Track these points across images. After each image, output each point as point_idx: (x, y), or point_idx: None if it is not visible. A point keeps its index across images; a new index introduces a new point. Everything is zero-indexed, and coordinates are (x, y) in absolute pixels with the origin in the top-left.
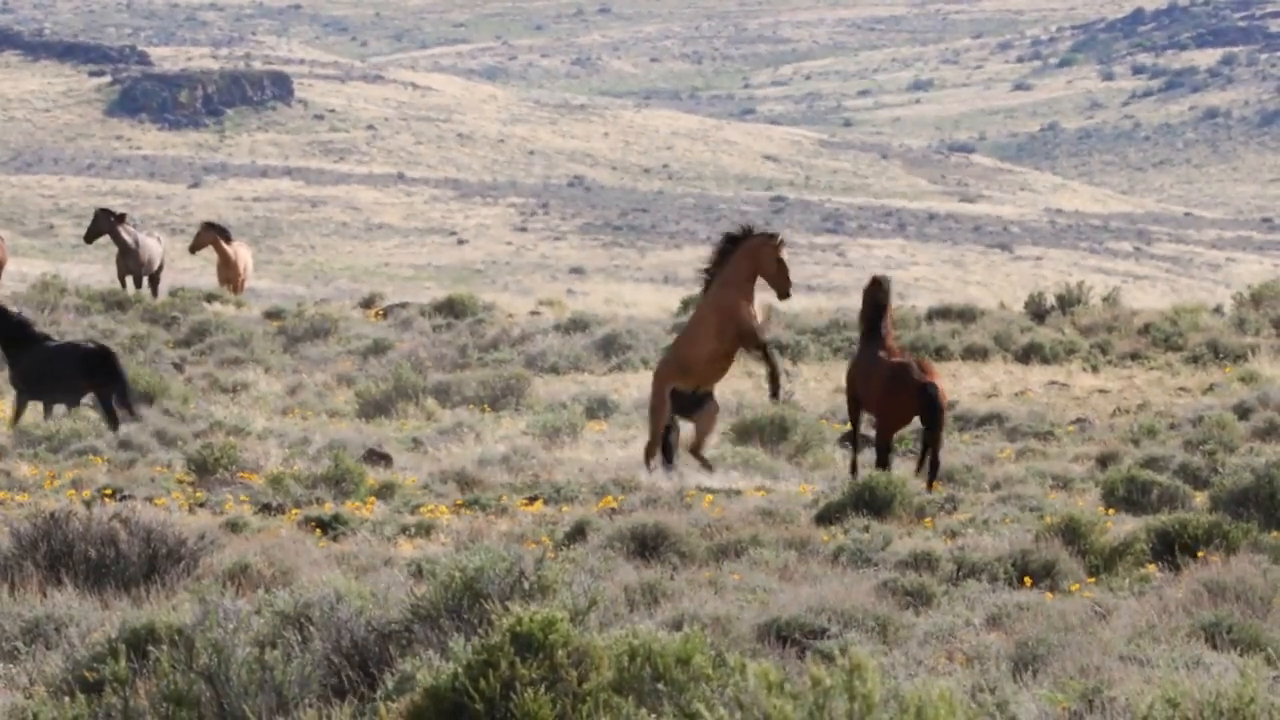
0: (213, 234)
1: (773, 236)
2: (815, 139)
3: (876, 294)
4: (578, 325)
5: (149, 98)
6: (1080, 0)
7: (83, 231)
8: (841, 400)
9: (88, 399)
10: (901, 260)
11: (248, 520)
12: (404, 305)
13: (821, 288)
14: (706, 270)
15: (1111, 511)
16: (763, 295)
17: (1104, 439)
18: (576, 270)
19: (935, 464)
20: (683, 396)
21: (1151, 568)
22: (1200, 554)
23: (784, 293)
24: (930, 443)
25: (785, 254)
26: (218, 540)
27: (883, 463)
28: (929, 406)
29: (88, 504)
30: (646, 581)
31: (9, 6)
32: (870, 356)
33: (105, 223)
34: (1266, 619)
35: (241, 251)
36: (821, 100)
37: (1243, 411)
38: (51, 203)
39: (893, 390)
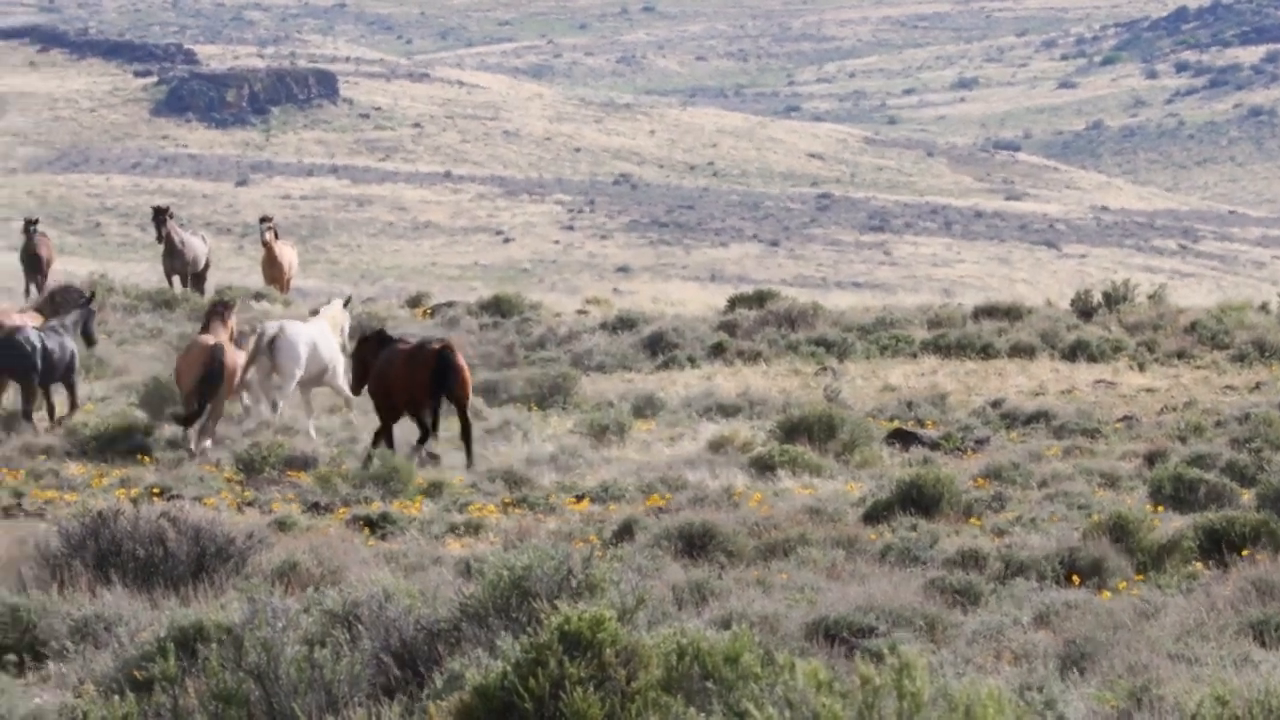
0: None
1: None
2: (860, 136)
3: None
4: (624, 324)
5: (195, 97)
6: None
7: (129, 230)
8: (890, 398)
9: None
10: (947, 258)
11: (296, 519)
12: (451, 304)
13: (867, 285)
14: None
15: (1159, 509)
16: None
17: (1151, 437)
18: (623, 269)
19: (469, 437)
20: None
21: (1199, 565)
22: (1247, 551)
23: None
24: (460, 417)
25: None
26: (266, 539)
27: (425, 438)
28: (446, 370)
29: (136, 503)
30: (694, 580)
31: (54, 5)
32: (392, 354)
33: (165, 220)
34: None
35: (285, 251)
36: (866, 98)
37: None
38: (98, 202)
39: (414, 368)
